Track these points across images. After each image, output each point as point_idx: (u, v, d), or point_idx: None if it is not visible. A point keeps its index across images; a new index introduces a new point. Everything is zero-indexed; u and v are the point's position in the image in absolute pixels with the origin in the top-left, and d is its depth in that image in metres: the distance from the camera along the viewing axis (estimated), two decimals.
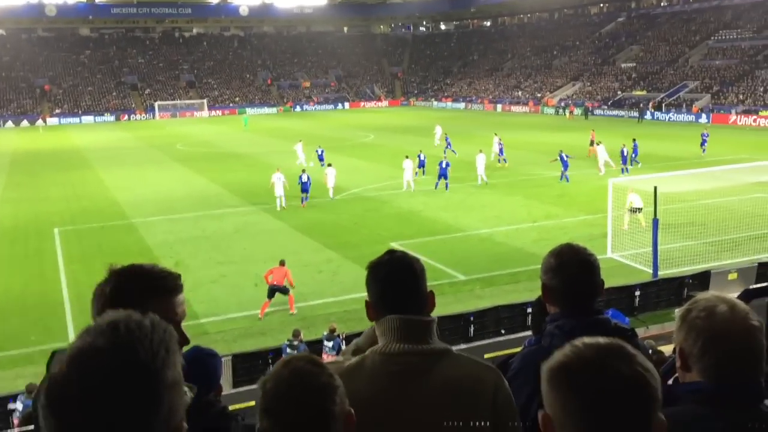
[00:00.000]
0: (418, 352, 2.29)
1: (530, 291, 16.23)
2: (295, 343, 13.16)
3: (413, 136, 50.60)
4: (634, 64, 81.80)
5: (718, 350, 1.90)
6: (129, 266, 2.17)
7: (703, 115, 62.08)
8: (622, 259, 19.89)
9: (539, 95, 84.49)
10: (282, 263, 17.33)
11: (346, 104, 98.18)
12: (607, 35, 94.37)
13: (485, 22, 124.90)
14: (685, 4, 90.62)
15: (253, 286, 18.88)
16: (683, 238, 21.01)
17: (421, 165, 34.28)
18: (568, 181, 31.80)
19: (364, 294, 2.49)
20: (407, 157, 31.91)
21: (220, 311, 17.16)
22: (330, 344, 13.53)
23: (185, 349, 2.20)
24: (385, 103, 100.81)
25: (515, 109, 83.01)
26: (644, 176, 24.76)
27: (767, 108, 59.09)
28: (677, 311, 2.03)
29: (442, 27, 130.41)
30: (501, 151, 37.59)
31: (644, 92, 73.42)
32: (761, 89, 63.14)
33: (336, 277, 19.22)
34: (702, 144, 38.68)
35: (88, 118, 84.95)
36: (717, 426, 1.86)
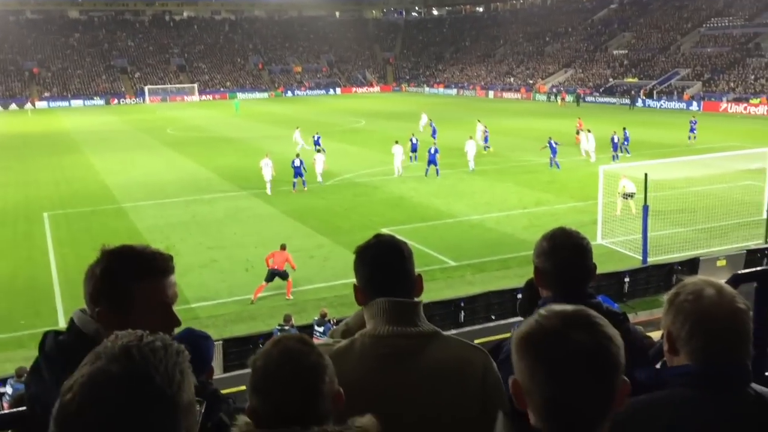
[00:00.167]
0: (408, 334, 2.30)
1: (521, 277, 16.29)
2: (286, 328, 13.18)
3: (404, 122, 50.48)
4: (626, 51, 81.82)
5: (706, 333, 1.91)
6: (120, 247, 2.15)
7: (694, 103, 62.25)
8: (612, 246, 19.99)
9: (531, 82, 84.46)
10: (283, 247, 17.37)
11: (338, 89, 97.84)
12: (600, 22, 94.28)
13: (478, 8, 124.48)
14: None
15: (244, 271, 18.89)
16: (673, 225, 21.13)
17: (414, 149, 34.26)
18: (558, 167, 31.90)
19: (355, 279, 2.49)
20: (397, 142, 31.91)
21: (211, 296, 17.15)
22: (321, 329, 13.56)
23: (177, 330, 2.20)
24: (376, 88, 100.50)
25: (507, 95, 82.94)
26: (634, 163, 24.83)
27: (758, 96, 59.30)
28: (665, 295, 2.05)
29: (435, 12, 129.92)
30: (486, 138, 37.53)
31: (636, 79, 73.50)
32: (752, 77, 63.34)
33: (327, 262, 19.24)
34: (690, 131, 38.73)
35: (77, 102, 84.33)
36: (705, 409, 1.88)
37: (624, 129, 35.63)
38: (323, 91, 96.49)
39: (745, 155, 26.49)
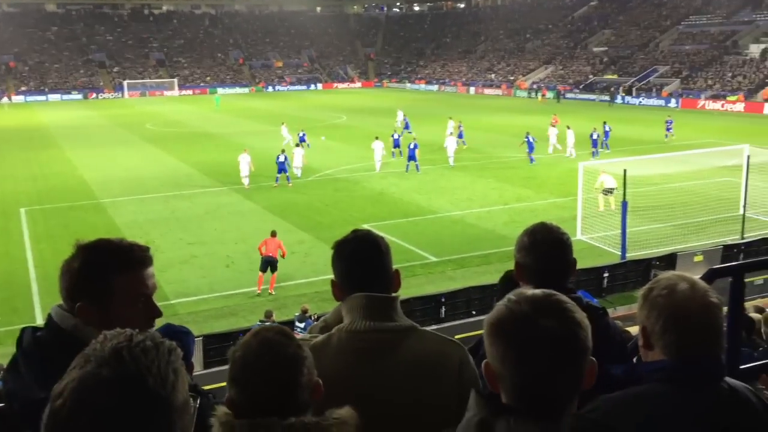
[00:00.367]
0: (384, 329, 2.31)
1: (501, 272, 16.33)
2: (267, 323, 13.15)
3: (386, 118, 50.43)
4: (606, 48, 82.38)
5: (679, 327, 1.94)
6: (97, 241, 2.14)
7: (673, 100, 62.87)
8: (592, 241, 20.15)
9: (512, 78, 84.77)
10: (273, 234, 17.43)
11: (319, 85, 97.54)
12: (580, 19, 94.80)
13: (459, 4, 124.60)
14: None
15: (225, 267, 18.81)
16: (651, 220, 21.34)
17: (396, 145, 34.37)
18: (531, 161, 32.25)
19: (332, 274, 2.50)
20: (377, 138, 31.94)
21: (191, 292, 17.06)
22: (302, 325, 13.54)
23: (158, 323, 2.19)
24: (358, 84, 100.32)
25: (488, 91, 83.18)
26: (614, 160, 25.05)
27: (735, 93, 59.99)
28: (640, 291, 2.08)
29: (416, 8, 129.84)
30: (461, 134, 37.58)
31: (615, 76, 74.04)
32: (729, 74, 64.05)
33: (308, 258, 19.22)
34: (667, 130, 39.04)
35: (54, 96, 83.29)
36: (679, 403, 1.91)
37: (604, 123, 35.92)
38: (304, 87, 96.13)
39: (722, 152, 26.82)
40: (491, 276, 16.73)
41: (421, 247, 20.07)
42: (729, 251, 18.05)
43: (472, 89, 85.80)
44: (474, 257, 19.29)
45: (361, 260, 2.41)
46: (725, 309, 2.25)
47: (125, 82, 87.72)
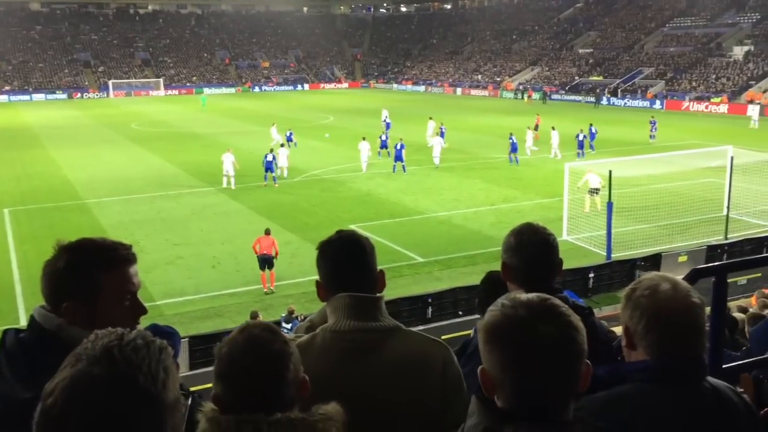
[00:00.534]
0: (368, 329, 2.32)
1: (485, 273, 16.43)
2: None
3: (373, 118, 50.42)
4: (592, 50, 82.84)
5: (662, 327, 1.96)
6: (80, 240, 2.14)
7: (657, 101, 63.32)
8: (577, 242, 20.26)
9: (498, 79, 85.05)
10: (267, 232, 17.45)
11: (306, 85, 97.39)
12: (566, 20, 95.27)
13: (446, 5, 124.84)
14: None
15: (211, 267, 18.74)
16: (636, 221, 21.49)
17: (384, 146, 34.44)
18: (517, 162, 32.50)
19: (317, 275, 2.50)
20: (364, 138, 32.00)
21: (176, 293, 16.98)
22: (288, 326, 13.51)
23: (143, 324, 2.19)
24: (345, 84, 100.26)
25: (475, 92, 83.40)
26: (599, 161, 25.19)
27: (719, 95, 60.50)
28: (623, 291, 2.09)
29: (403, 9, 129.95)
30: (442, 134, 37.56)
31: (601, 78, 74.45)
32: (713, 76, 64.59)
33: (294, 259, 19.18)
34: (651, 131, 39.30)
35: (39, 96, 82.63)
36: (662, 403, 1.93)
37: (590, 125, 36.14)
38: (291, 87, 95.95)
39: (706, 153, 27.04)
40: (478, 277, 16.64)
41: (407, 248, 20.08)
42: (713, 251, 18.22)
43: (458, 90, 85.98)
44: (460, 258, 19.33)
45: (346, 260, 2.42)
46: (708, 309, 2.27)
47: (110, 82, 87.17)
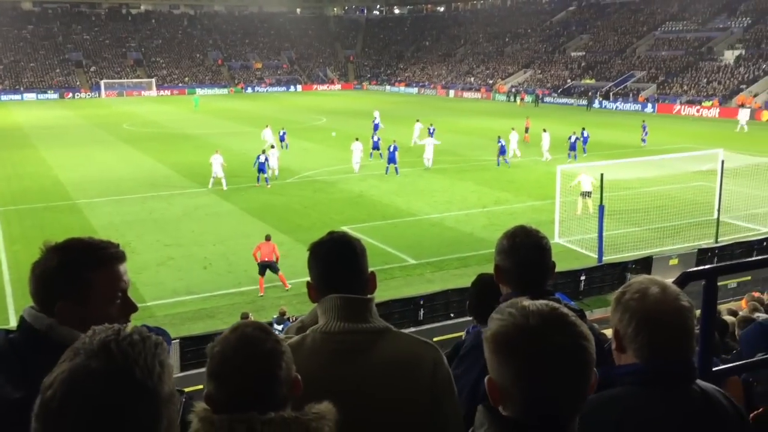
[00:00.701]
0: (359, 330, 2.33)
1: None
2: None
3: (365, 120, 50.40)
4: (584, 53, 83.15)
5: (651, 330, 1.97)
6: (68, 240, 2.15)
7: (649, 105, 63.61)
8: (569, 245, 20.31)
9: (491, 82, 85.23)
10: (268, 238, 17.40)
11: (299, 87, 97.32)
12: (558, 24, 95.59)
13: (439, 8, 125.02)
14: None
15: (202, 269, 18.69)
16: (627, 224, 21.56)
17: (376, 147, 34.49)
18: (507, 164, 32.71)
19: (308, 276, 2.51)
20: (357, 139, 32.04)
21: (168, 294, 16.92)
22: (280, 327, 13.49)
23: (134, 322, 2.19)
24: (337, 86, 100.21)
25: (467, 95, 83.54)
26: (591, 164, 25.27)
27: (710, 98, 60.83)
28: (612, 294, 2.10)
29: (396, 11, 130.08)
30: (430, 134, 37.56)
31: (593, 81, 74.73)
32: (704, 80, 64.94)
33: (286, 260, 19.07)
34: (643, 134, 39.46)
35: (30, 95, 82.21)
36: (652, 406, 1.93)
37: (583, 129, 36.28)
38: (284, 88, 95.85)
39: (697, 156, 27.17)
40: (470, 279, 16.59)
41: (399, 250, 20.09)
42: (703, 255, 18.31)
43: (451, 92, 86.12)
44: (453, 260, 19.34)
45: (337, 262, 2.43)
46: (697, 312, 2.29)
47: (102, 82, 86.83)
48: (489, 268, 2.83)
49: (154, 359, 1.29)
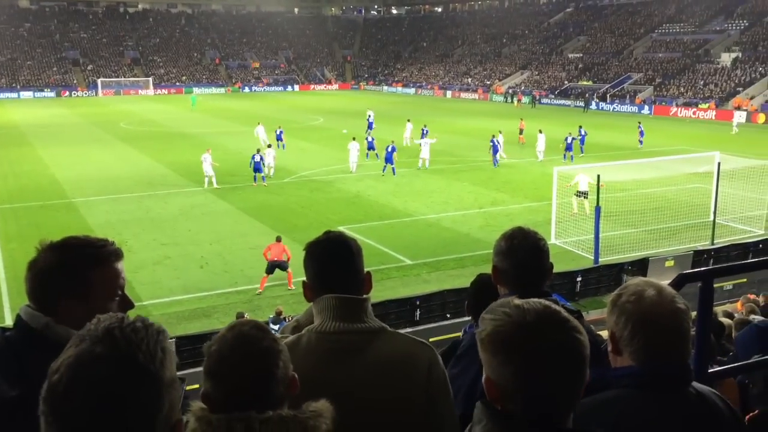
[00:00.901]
0: (354, 330, 2.33)
1: (475, 276, 16.45)
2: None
3: (363, 120, 50.45)
4: (581, 55, 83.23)
5: (647, 333, 1.97)
6: (67, 239, 2.16)
7: (646, 107, 63.71)
8: (565, 246, 20.33)
9: (488, 83, 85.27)
10: (278, 239, 17.46)
11: (296, 86, 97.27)
12: (556, 25, 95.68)
13: (436, 8, 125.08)
14: None
15: (199, 268, 18.66)
16: (624, 226, 21.58)
17: (371, 147, 34.50)
18: (495, 165, 32.89)
19: (305, 275, 2.51)
20: (354, 139, 32.07)
21: (164, 293, 16.90)
22: (276, 327, 13.47)
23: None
24: (335, 86, 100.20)
25: (465, 95, 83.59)
26: (587, 165, 25.31)
27: (706, 101, 60.93)
28: (609, 296, 2.11)
29: (394, 11, 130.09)
30: (423, 134, 37.51)
31: (590, 83, 74.82)
32: (701, 82, 65.05)
33: None
34: (641, 135, 39.55)
35: (27, 94, 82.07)
36: (648, 409, 1.94)
37: (580, 127, 36.35)
38: (281, 88, 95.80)
39: (693, 159, 27.22)
40: (466, 279, 16.71)
41: (396, 250, 20.09)
42: (699, 257, 18.34)
43: (448, 93, 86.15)
44: (449, 260, 19.35)
45: (333, 261, 2.43)
46: (693, 314, 2.29)
47: (99, 81, 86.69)
48: (485, 269, 2.84)
49: (157, 345, 1.34)
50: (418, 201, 26.35)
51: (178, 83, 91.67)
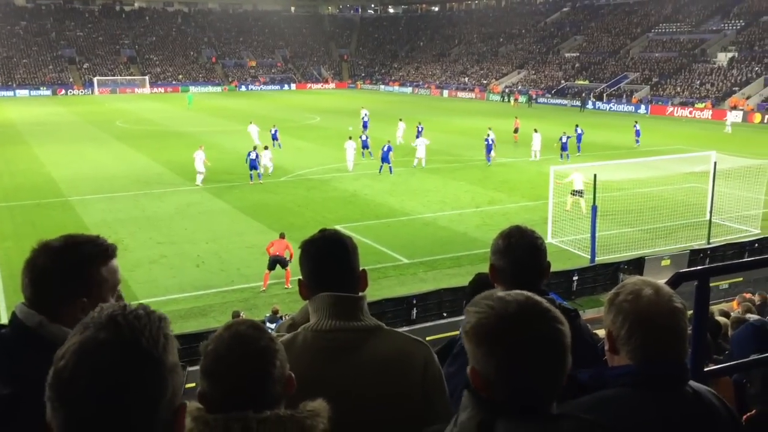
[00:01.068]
0: (350, 328, 2.33)
1: (472, 275, 16.44)
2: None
3: (359, 119, 50.43)
4: (578, 54, 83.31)
5: (644, 332, 1.98)
6: (64, 238, 2.16)
7: (642, 106, 63.80)
8: (562, 245, 20.35)
9: (485, 82, 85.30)
10: (282, 236, 17.52)
11: (293, 85, 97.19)
12: (552, 24, 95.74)
13: (433, 7, 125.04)
14: None
15: (195, 266, 18.64)
16: (620, 225, 21.61)
17: (365, 146, 34.54)
18: (488, 162, 33.09)
19: (300, 274, 2.51)
20: (350, 137, 32.10)
21: (160, 292, 16.88)
22: (273, 326, 13.47)
23: None
24: (332, 85, 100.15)
25: (462, 95, 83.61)
26: (583, 164, 25.33)
27: (703, 100, 61.04)
28: (606, 296, 2.11)
29: (390, 10, 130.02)
30: (419, 133, 37.49)
31: (586, 82, 74.89)
32: (698, 82, 65.16)
33: None
34: (636, 135, 39.67)
35: (22, 92, 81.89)
36: (645, 408, 1.94)
37: (576, 126, 36.40)
38: (278, 87, 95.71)
39: (689, 158, 27.26)
40: (462, 278, 16.80)
41: (393, 249, 20.09)
42: (695, 256, 18.38)
43: (445, 92, 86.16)
44: (446, 259, 19.36)
45: (328, 259, 2.43)
46: (690, 313, 2.29)
47: (95, 79, 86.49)
48: (482, 268, 2.84)
49: (159, 331, 1.37)
50: (414, 200, 26.35)
51: (174, 82, 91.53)
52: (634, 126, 40.35)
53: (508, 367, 1.55)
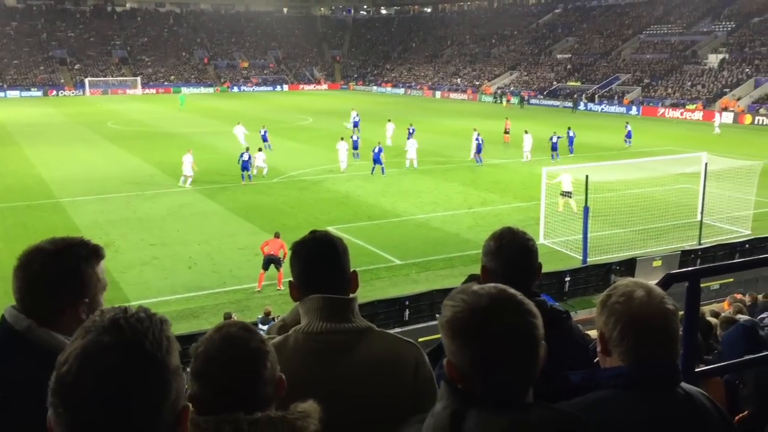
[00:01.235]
0: (341, 330, 2.33)
1: (465, 276, 16.44)
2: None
3: (349, 120, 50.41)
4: (569, 56, 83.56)
5: (636, 333, 1.98)
6: (55, 241, 2.16)
7: (634, 107, 64.04)
8: (554, 246, 20.39)
9: (477, 83, 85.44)
10: (277, 235, 17.46)
11: (285, 86, 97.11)
12: (544, 26, 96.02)
13: (426, 9, 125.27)
14: None
15: (187, 268, 18.58)
16: (612, 226, 21.67)
17: (355, 147, 34.61)
18: (479, 162, 33.31)
19: (291, 275, 2.50)
20: (342, 138, 32.13)
21: (152, 294, 16.81)
22: (265, 328, 13.43)
23: None
24: (324, 86, 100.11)
25: (454, 96, 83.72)
26: (575, 165, 25.40)
27: (694, 102, 61.32)
28: (598, 297, 2.11)
29: (383, 11, 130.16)
30: (410, 134, 37.50)
31: (578, 83, 75.12)
32: (689, 83, 65.46)
33: None
34: (627, 136, 39.85)
35: (13, 93, 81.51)
36: (636, 409, 1.94)
37: (568, 129, 36.50)
38: (270, 88, 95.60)
39: (680, 159, 27.37)
40: (455, 279, 16.80)
41: (385, 250, 20.08)
42: (686, 256, 18.45)
43: (437, 93, 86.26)
44: (438, 260, 19.37)
45: (319, 261, 2.43)
46: (681, 314, 2.29)
47: (87, 80, 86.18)
48: (474, 269, 2.83)
49: (161, 334, 1.37)
50: (407, 201, 26.36)
51: (166, 83, 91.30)
52: (626, 127, 40.52)
53: (481, 359, 1.58)
